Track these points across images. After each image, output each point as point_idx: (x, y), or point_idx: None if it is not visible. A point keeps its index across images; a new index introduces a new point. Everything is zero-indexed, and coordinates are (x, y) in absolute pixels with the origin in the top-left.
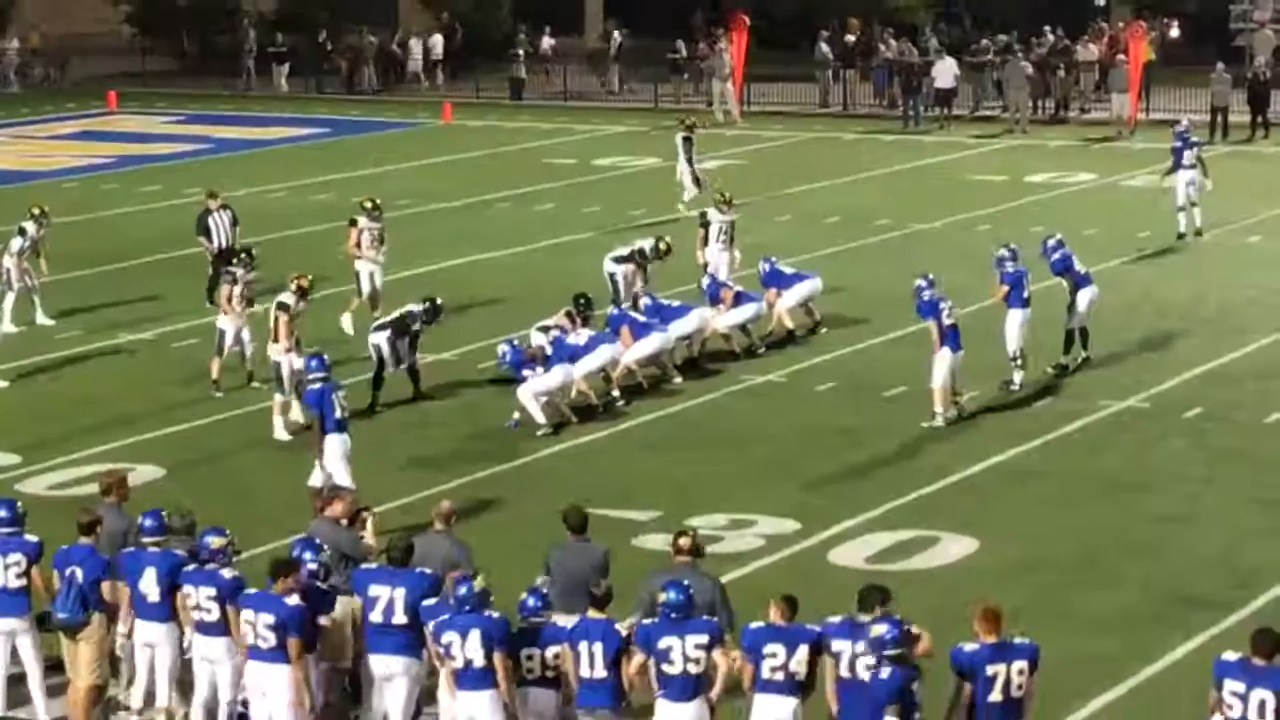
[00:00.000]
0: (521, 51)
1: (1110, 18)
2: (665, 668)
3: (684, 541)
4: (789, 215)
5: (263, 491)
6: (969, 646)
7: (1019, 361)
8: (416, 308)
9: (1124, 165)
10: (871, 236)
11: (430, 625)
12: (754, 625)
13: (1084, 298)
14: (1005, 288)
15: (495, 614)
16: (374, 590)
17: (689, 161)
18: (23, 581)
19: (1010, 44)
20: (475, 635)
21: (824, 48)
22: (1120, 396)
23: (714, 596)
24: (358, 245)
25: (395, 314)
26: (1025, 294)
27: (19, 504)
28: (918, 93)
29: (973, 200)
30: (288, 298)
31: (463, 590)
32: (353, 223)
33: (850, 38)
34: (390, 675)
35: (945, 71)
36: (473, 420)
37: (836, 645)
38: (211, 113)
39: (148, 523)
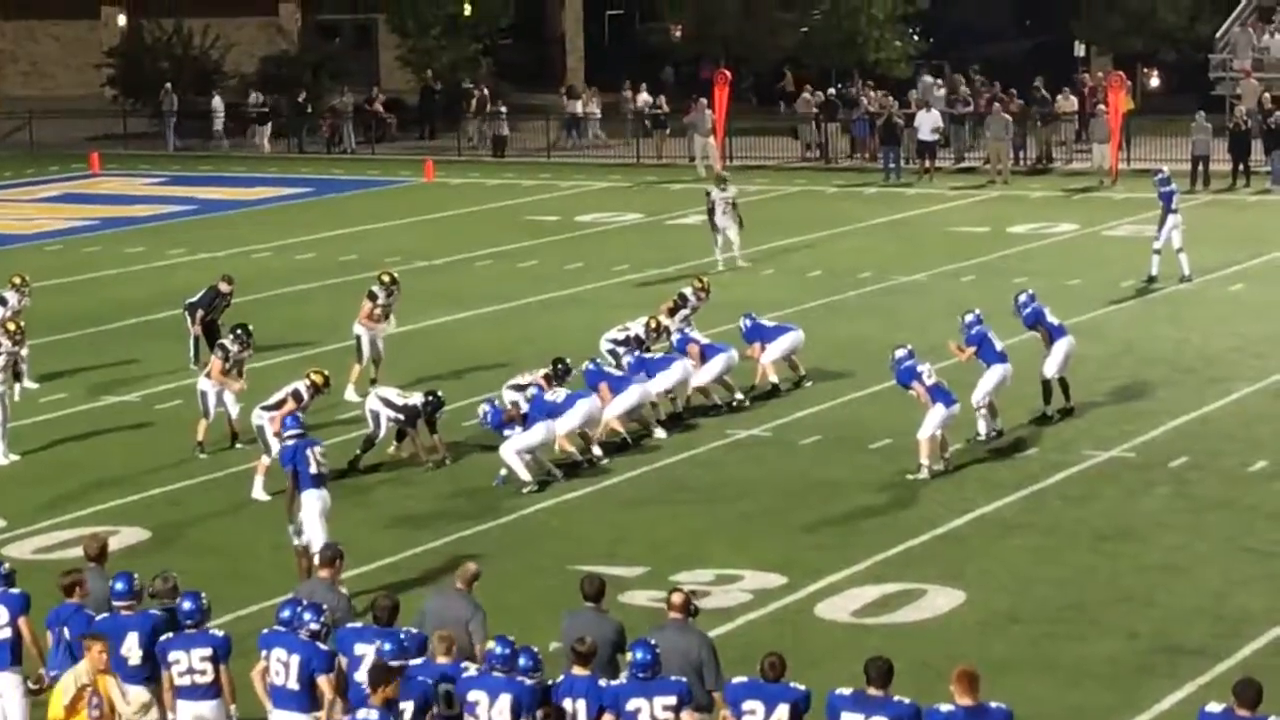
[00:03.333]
0: (504, 109)
1: (1090, 68)
2: None
3: (676, 598)
4: (772, 269)
5: (248, 553)
6: (944, 708)
7: (983, 411)
8: (418, 401)
9: (1106, 215)
10: (854, 290)
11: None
12: (735, 680)
13: (1060, 349)
14: (971, 348)
15: (528, 680)
16: (359, 649)
17: (710, 214)
18: (6, 634)
19: (992, 96)
20: (505, 699)
21: (807, 99)
22: (1105, 446)
23: (701, 656)
24: (369, 316)
25: (399, 401)
26: (999, 348)
27: (6, 564)
28: (898, 145)
29: (955, 252)
30: (303, 390)
31: (499, 649)
32: (371, 296)
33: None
34: None
35: (926, 124)
36: (456, 478)
37: (846, 718)
38: (194, 174)
39: (118, 586)
